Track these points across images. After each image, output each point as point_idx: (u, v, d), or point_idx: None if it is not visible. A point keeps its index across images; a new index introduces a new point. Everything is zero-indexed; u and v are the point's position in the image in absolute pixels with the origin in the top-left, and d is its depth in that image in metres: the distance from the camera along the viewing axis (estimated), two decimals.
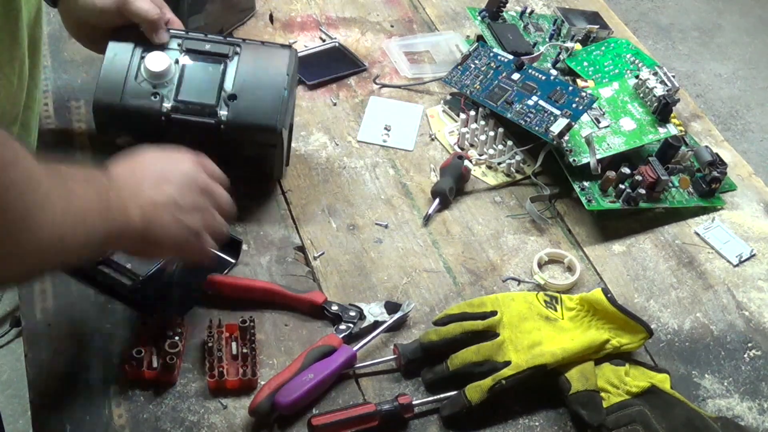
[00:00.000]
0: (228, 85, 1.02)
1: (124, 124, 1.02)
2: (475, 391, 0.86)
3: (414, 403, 0.87)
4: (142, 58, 1.01)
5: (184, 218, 0.83)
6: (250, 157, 1.05)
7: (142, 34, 1.03)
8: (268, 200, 1.09)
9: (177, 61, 1.02)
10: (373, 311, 0.95)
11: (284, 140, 1.05)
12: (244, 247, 1.02)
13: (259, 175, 1.09)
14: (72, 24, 1.08)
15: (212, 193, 0.87)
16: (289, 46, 1.08)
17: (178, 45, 1.03)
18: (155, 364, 0.88)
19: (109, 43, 1.03)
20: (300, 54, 1.31)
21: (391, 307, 0.96)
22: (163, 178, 0.83)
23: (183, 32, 1.05)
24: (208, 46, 1.03)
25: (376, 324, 0.95)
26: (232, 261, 1.00)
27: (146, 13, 1.01)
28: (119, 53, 1.03)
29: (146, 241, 0.80)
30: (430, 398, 0.88)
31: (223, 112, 1.01)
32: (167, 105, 1.00)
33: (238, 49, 1.04)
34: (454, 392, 0.88)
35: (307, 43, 1.35)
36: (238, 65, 1.03)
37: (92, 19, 1.03)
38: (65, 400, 0.86)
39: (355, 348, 0.91)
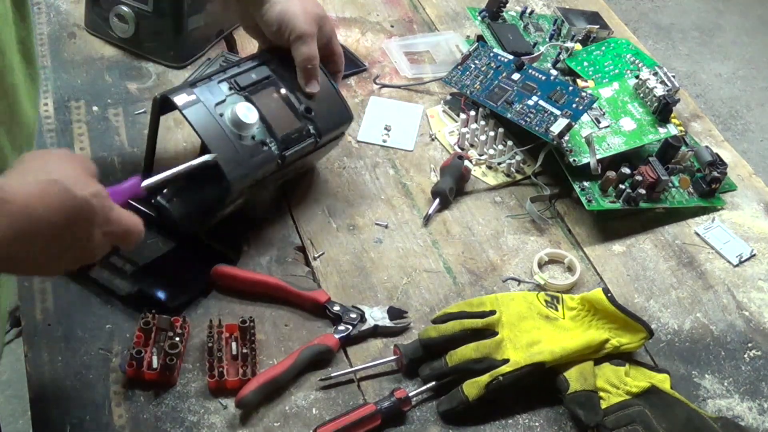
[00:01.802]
0: (295, 102, 1.01)
1: (251, 186, 0.99)
2: (473, 387, 0.86)
3: (410, 395, 0.87)
4: (221, 114, 0.96)
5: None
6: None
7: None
8: None
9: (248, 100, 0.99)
10: (375, 315, 0.95)
11: None
12: (244, 247, 1.02)
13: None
14: (248, 21, 1.05)
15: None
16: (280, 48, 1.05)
17: (230, 87, 0.98)
18: (155, 365, 0.88)
19: (191, 122, 0.94)
20: None
21: (394, 312, 0.96)
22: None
23: (214, 70, 1.01)
24: (254, 75, 1.00)
25: (376, 328, 0.95)
26: (233, 260, 1.00)
27: (307, 61, 1.00)
28: (210, 130, 0.95)
29: None
30: (425, 387, 0.89)
31: (310, 127, 1.01)
32: (274, 148, 0.98)
33: (268, 65, 1.02)
34: (448, 379, 0.89)
35: None
36: (283, 81, 1.02)
37: (267, 32, 1.03)
38: (65, 400, 0.86)
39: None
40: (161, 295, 0.95)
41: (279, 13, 0.99)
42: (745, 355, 0.97)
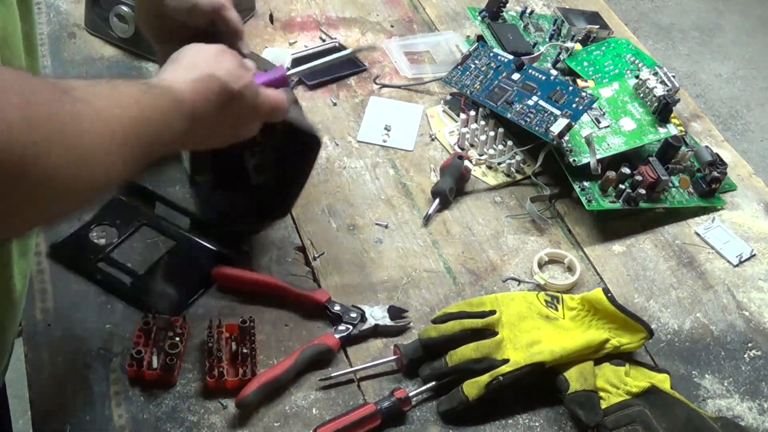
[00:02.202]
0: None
1: None
2: (473, 387, 0.86)
3: (410, 395, 0.87)
4: None
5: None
6: None
7: None
8: None
9: None
10: (375, 314, 0.95)
11: None
12: (244, 248, 1.02)
13: None
14: (148, 14, 0.98)
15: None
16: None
17: None
18: (155, 365, 0.88)
19: None
20: (300, 54, 1.31)
21: (395, 311, 0.96)
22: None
23: None
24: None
25: (377, 328, 0.95)
26: (233, 261, 1.00)
27: (239, 22, 0.97)
28: None
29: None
30: (425, 387, 0.89)
31: None
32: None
33: None
34: (448, 379, 0.89)
35: (307, 43, 1.35)
36: None
37: (179, 16, 0.94)
38: (65, 400, 0.86)
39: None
40: (162, 294, 0.95)
41: None
42: (745, 355, 0.97)
